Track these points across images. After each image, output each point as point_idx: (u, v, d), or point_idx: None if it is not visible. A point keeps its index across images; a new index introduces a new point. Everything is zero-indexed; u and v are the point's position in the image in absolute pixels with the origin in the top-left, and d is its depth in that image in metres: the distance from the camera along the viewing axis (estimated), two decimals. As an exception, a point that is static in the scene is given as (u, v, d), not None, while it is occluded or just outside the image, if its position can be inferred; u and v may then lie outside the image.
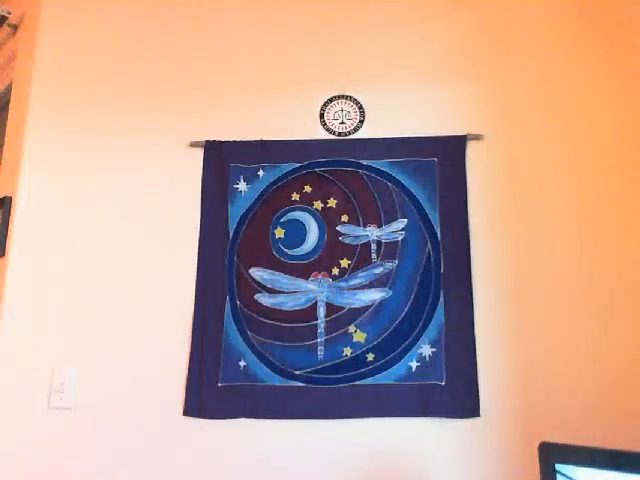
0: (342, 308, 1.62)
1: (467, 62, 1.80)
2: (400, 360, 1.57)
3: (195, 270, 1.67)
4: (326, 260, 1.66)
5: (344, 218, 1.69)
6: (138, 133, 1.79)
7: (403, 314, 1.61)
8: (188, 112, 1.80)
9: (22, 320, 1.63)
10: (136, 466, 1.54)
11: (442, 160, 1.70)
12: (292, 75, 1.82)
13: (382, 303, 1.62)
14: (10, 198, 1.72)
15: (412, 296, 1.62)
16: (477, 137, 1.72)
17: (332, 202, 1.71)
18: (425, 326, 1.59)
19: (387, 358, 1.58)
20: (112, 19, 1.89)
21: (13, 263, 1.67)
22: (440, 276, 1.62)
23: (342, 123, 1.78)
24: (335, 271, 1.65)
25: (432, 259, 1.64)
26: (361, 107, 1.79)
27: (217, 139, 1.76)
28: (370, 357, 1.58)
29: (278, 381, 1.58)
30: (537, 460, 1.09)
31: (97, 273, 1.68)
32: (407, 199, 1.69)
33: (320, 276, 1.65)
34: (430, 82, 1.79)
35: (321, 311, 1.62)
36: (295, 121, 1.78)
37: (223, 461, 1.54)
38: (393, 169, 1.71)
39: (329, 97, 1.80)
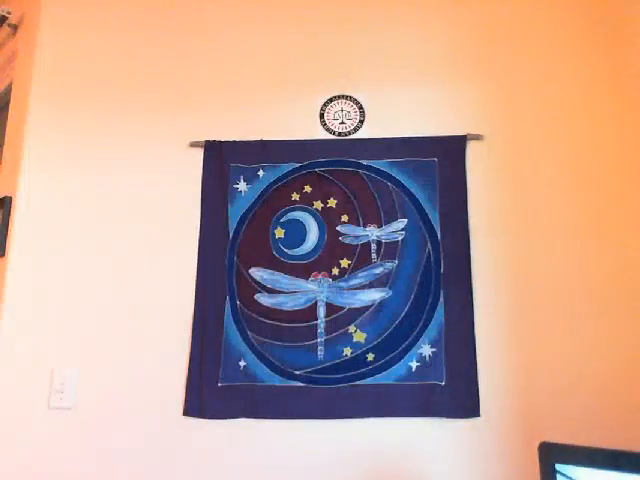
0: (342, 308, 1.62)
1: (467, 62, 1.80)
2: (400, 360, 1.57)
3: (195, 270, 1.67)
4: (326, 260, 1.66)
5: (344, 218, 1.69)
6: (138, 133, 1.79)
7: (403, 314, 1.61)
8: (188, 112, 1.80)
9: (22, 320, 1.63)
10: (136, 466, 1.54)
11: (442, 160, 1.70)
12: (292, 75, 1.82)
13: (382, 303, 1.62)
14: (10, 198, 1.72)
15: (412, 296, 1.62)
16: (477, 137, 1.72)
17: (332, 202, 1.71)
18: (425, 326, 1.59)
19: (387, 358, 1.58)
20: (112, 19, 1.89)
21: (13, 263, 1.67)
22: (440, 276, 1.62)
23: (342, 123, 1.78)
24: (335, 271, 1.65)
25: (432, 259, 1.64)
26: (361, 107, 1.79)
27: (217, 139, 1.76)
28: (370, 357, 1.58)
29: (278, 381, 1.58)
30: (537, 460, 1.09)
31: (97, 273, 1.68)
32: (407, 199, 1.69)
33: (320, 276, 1.65)
34: (430, 82, 1.79)
35: (321, 311, 1.62)
36: (295, 121, 1.78)
37: (223, 461, 1.54)
38: (393, 169, 1.71)
39: (329, 97, 1.80)
